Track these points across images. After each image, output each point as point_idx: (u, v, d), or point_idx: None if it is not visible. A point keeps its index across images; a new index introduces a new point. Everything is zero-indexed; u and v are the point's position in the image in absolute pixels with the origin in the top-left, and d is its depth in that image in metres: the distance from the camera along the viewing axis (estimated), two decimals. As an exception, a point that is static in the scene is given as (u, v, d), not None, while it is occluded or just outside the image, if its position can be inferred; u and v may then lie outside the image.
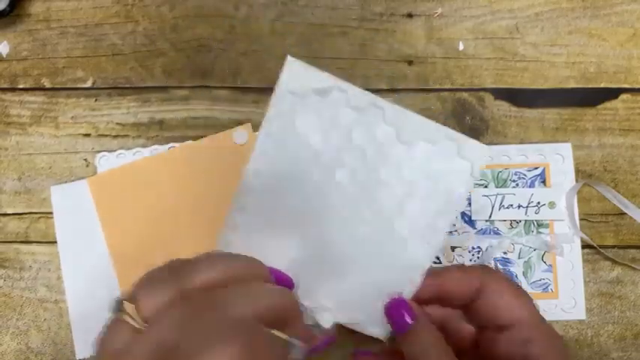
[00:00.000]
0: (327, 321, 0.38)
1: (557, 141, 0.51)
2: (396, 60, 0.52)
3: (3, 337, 0.50)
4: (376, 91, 0.52)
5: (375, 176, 0.37)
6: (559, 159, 0.50)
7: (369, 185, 0.37)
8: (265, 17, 0.53)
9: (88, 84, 0.52)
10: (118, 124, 0.52)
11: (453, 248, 0.49)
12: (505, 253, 0.49)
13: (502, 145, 0.51)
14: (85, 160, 0.51)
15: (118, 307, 0.27)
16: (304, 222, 0.38)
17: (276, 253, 0.37)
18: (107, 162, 0.51)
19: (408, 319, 0.35)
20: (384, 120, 0.36)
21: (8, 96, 0.52)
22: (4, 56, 0.53)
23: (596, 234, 0.50)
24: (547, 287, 0.49)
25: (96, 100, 0.52)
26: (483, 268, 0.36)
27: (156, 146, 0.51)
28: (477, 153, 0.36)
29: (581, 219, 0.50)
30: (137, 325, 0.26)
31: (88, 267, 0.49)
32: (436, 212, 0.37)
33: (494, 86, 0.52)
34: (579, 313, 0.49)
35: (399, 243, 0.37)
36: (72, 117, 0.52)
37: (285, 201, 0.38)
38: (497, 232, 0.49)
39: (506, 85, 0.52)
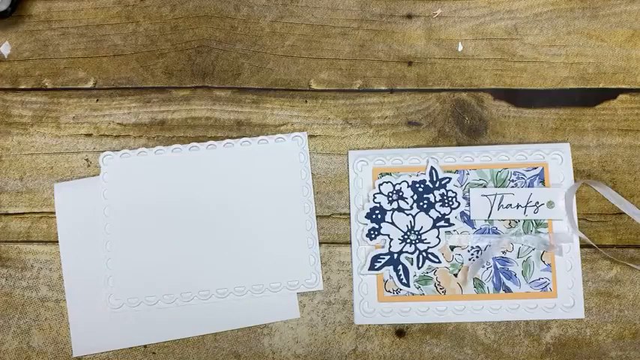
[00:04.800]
0: None
1: (555, 141, 0.51)
2: (396, 60, 0.53)
3: (4, 336, 0.50)
4: (376, 92, 0.52)
5: None
6: (558, 159, 0.50)
7: None
8: (265, 18, 0.53)
9: (90, 84, 0.53)
10: (119, 124, 0.52)
11: (452, 248, 0.50)
12: (504, 252, 0.50)
13: (501, 145, 0.51)
14: (87, 160, 0.52)
15: None
16: None
17: None
18: (111, 161, 0.51)
19: None
20: None
21: (10, 96, 0.53)
22: (6, 57, 0.53)
23: (595, 233, 0.50)
24: (546, 286, 0.49)
25: (97, 100, 0.52)
26: None
27: (160, 147, 0.51)
28: None
29: (579, 218, 0.50)
30: None
31: (87, 266, 0.49)
32: None
33: (493, 87, 0.52)
34: (578, 312, 0.49)
35: None
36: (73, 117, 0.52)
37: None
38: (496, 232, 0.50)
39: (505, 86, 0.52)
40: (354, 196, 0.50)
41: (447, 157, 0.50)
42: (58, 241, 0.50)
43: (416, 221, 0.50)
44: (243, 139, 0.51)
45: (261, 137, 0.51)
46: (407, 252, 0.49)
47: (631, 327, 0.49)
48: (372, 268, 0.49)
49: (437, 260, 0.49)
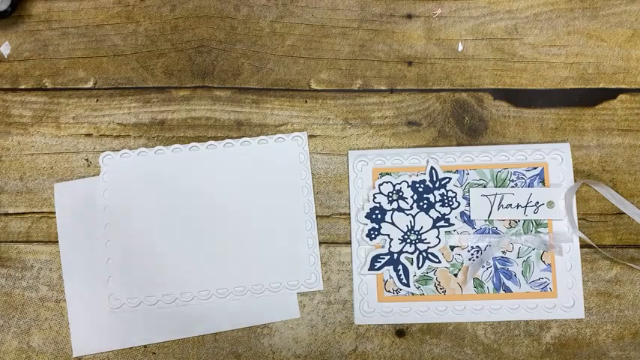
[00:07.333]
0: None
1: (555, 141, 0.51)
2: (396, 60, 0.53)
3: (4, 336, 0.50)
4: (376, 92, 0.52)
5: None
6: (558, 159, 0.50)
7: None
8: (265, 18, 0.53)
9: (90, 84, 0.53)
10: (119, 124, 0.52)
11: (452, 248, 0.50)
12: (504, 252, 0.50)
13: (501, 145, 0.51)
14: (87, 160, 0.52)
15: None
16: None
17: None
18: (111, 161, 0.51)
19: None
20: None
21: (10, 96, 0.53)
22: (6, 57, 0.53)
23: (595, 233, 0.50)
24: (546, 286, 0.49)
25: (97, 100, 0.52)
26: None
27: (160, 147, 0.51)
28: None
29: (579, 218, 0.50)
30: None
31: (87, 266, 0.49)
32: None
33: (493, 87, 0.52)
34: (578, 312, 0.49)
35: None
36: (73, 117, 0.52)
37: None
38: (496, 232, 0.50)
39: (505, 86, 0.52)
40: (354, 196, 0.50)
41: (447, 157, 0.51)
42: (58, 241, 0.50)
43: (416, 221, 0.50)
44: (243, 139, 0.51)
45: (261, 137, 0.51)
46: (407, 252, 0.49)
47: (631, 327, 0.49)
48: (372, 268, 0.49)
49: (437, 260, 0.49)
